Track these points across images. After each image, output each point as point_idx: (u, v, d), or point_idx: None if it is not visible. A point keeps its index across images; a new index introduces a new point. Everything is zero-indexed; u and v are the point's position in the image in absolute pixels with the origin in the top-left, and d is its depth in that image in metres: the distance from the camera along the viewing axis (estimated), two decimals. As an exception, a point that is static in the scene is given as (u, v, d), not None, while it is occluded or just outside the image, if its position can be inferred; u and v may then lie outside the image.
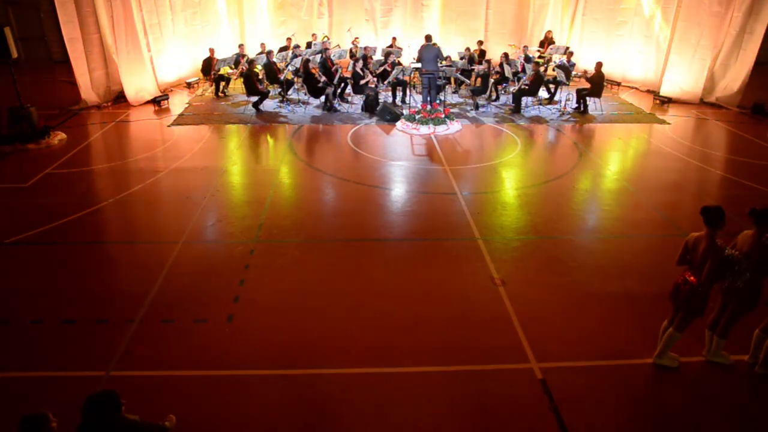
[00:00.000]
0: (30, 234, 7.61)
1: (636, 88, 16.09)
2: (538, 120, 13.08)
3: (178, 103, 14.18)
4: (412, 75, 14.32)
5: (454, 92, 15.27)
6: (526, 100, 13.99)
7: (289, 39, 15.63)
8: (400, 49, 15.86)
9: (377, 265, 6.98)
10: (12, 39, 10.99)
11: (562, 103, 13.68)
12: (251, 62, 13.56)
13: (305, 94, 14.12)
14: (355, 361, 5.29)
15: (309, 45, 15.81)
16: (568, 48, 15.52)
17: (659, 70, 15.16)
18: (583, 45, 17.06)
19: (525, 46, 15.65)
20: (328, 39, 15.92)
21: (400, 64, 14.83)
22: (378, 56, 15.41)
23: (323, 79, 13.36)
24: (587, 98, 13.41)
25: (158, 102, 13.84)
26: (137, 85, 13.86)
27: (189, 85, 15.65)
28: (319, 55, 14.37)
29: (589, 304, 6.19)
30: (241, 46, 15.63)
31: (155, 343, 5.51)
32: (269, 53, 13.92)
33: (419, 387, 4.97)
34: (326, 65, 13.77)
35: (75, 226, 7.87)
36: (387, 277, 6.70)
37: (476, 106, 13.85)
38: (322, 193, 9.29)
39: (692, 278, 4.77)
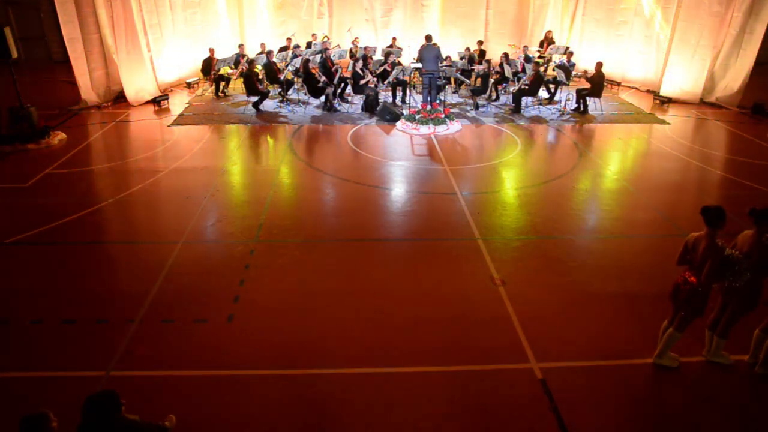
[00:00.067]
0: (30, 234, 7.61)
1: (636, 88, 16.09)
2: (538, 120, 13.08)
3: (178, 103, 14.18)
4: (412, 75, 14.32)
5: (454, 92, 15.27)
6: (526, 100, 13.99)
7: (289, 39, 15.63)
8: (400, 49, 15.86)
9: (377, 265, 6.98)
10: (12, 39, 10.99)
11: (562, 103, 13.68)
12: (251, 62, 13.56)
13: (305, 94, 14.12)
14: (355, 361, 5.29)
15: (309, 45, 15.81)
16: (568, 48, 15.52)
17: (659, 70, 15.16)
18: (583, 45, 17.05)
19: (525, 46, 15.66)
20: (328, 39, 15.92)
21: (400, 64, 14.83)
22: (378, 56, 15.41)
23: (323, 79, 13.36)
24: (587, 98, 13.41)
25: (158, 102, 13.84)
26: (137, 85, 13.86)
27: (189, 85, 15.65)
28: (319, 55, 14.37)
29: (589, 304, 6.18)
30: (241, 46, 15.63)
31: (155, 343, 5.51)
32: (269, 53, 13.92)
33: (419, 387, 4.97)
34: (326, 65, 13.77)
35: (75, 226, 7.87)
36: (387, 277, 6.70)
37: (476, 106, 13.85)
38: (322, 193, 9.29)
39: (692, 278, 4.77)
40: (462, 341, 5.56)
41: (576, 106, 13.60)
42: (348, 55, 15.46)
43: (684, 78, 14.37)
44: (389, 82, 13.85)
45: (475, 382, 5.03)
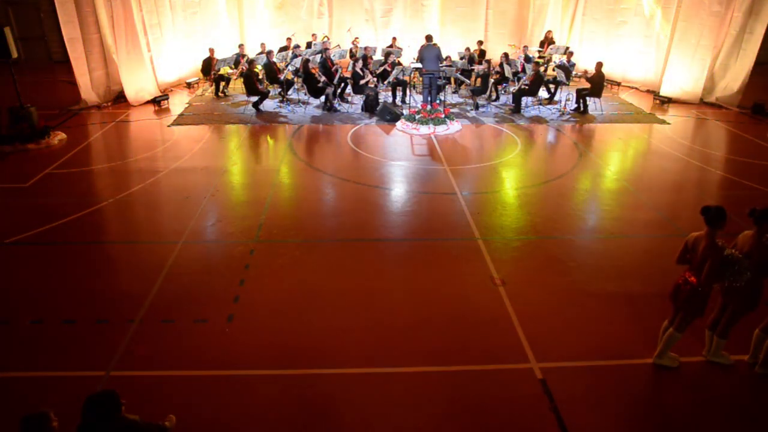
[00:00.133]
0: (30, 234, 7.61)
1: (636, 88, 16.09)
2: (538, 120, 13.08)
3: (178, 103, 14.18)
4: (412, 75, 14.32)
5: (454, 92, 15.27)
6: (526, 100, 13.99)
7: (289, 39, 15.63)
8: (400, 49, 15.85)
9: (377, 265, 6.98)
10: (12, 39, 11.00)
11: (562, 103, 13.68)
12: (251, 62, 13.56)
13: (305, 94, 14.12)
14: (355, 361, 5.29)
15: (309, 45, 15.82)
16: (568, 48, 15.52)
17: (659, 70, 15.16)
18: (583, 45, 17.05)
19: (525, 46, 15.65)
20: (328, 39, 15.92)
21: (400, 64, 14.83)
22: (378, 56, 15.41)
23: (323, 79, 13.36)
24: (587, 98, 13.41)
25: (158, 102, 13.84)
26: (137, 85, 13.86)
27: (189, 85, 15.65)
28: (319, 55, 14.37)
29: (589, 304, 6.18)
30: (241, 46, 15.63)
31: (155, 343, 5.51)
32: (269, 53, 13.92)
33: (419, 387, 4.97)
34: (326, 65, 13.77)
35: (75, 226, 7.87)
36: (387, 277, 6.70)
37: (476, 106, 13.85)
38: (322, 193, 9.29)
39: (693, 279, 4.77)
40: (462, 341, 5.55)
41: (576, 106, 13.60)
42: (348, 55, 15.46)
43: (684, 78, 14.37)
44: (389, 82, 13.85)
45: (475, 382, 5.03)
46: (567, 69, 14.23)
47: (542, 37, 16.55)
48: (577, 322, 5.88)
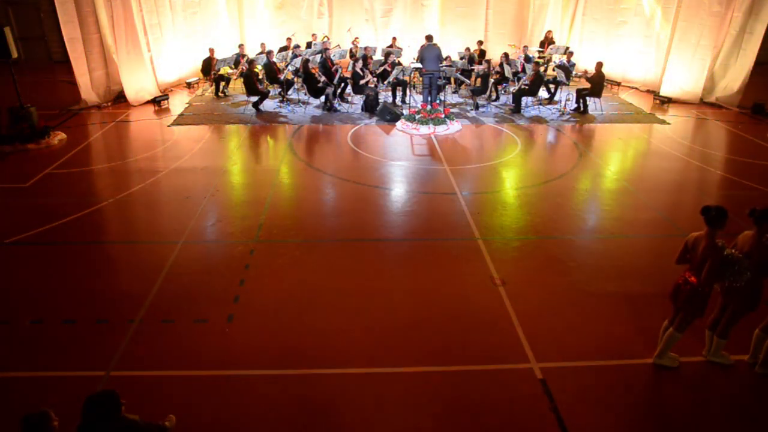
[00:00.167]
0: (30, 234, 7.61)
1: (636, 88, 16.09)
2: (538, 120, 13.08)
3: (178, 103, 14.18)
4: (412, 75, 14.32)
5: (454, 92, 15.27)
6: (526, 100, 13.99)
7: (289, 39, 15.63)
8: (400, 49, 15.86)
9: (377, 265, 6.98)
10: (12, 39, 11.00)
11: (562, 103, 13.68)
12: (251, 62, 13.56)
13: (305, 94, 14.12)
14: (355, 361, 5.28)
15: (309, 45, 15.82)
16: (568, 48, 15.52)
17: (659, 70, 15.16)
18: (583, 45, 17.05)
19: (525, 46, 15.65)
20: (328, 39, 15.92)
21: (400, 64, 14.83)
22: (378, 56, 15.41)
23: (323, 79, 13.36)
24: (587, 98, 13.41)
25: (158, 102, 13.84)
26: (137, 85, 13.86)
27: (189, 85, 15.65)
28: (319, 55, 14.37)
29: (589, 304, 6.18)
30: (241, 46, 15.63)
31: (155, 343, 5.50)
32: (269, 53, 13.92)
33: (419, 387, 4.97)
34: (326, 65, 13.77)
35: (75, 226, 7.87)
36: (387, 277, 6.70)
37: (476, 106, 13.85)
38: (322, 193, 9.29)
39: (693, 279, 4.77)
40: (462, 341, 5.55)
41: (576, 106, 13.60)
42: (348, 55, 15.46)
43: (684, 78, 14.38)
44: (389, 82, 13.85)
45: (475, 382, 5.03)
46: (567, 69, 14.23)
47: (542, 37, 16.56)
48: (577, 322, 5.88)
